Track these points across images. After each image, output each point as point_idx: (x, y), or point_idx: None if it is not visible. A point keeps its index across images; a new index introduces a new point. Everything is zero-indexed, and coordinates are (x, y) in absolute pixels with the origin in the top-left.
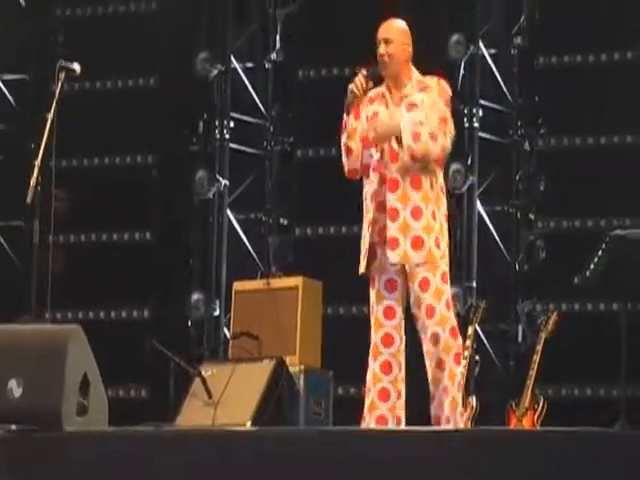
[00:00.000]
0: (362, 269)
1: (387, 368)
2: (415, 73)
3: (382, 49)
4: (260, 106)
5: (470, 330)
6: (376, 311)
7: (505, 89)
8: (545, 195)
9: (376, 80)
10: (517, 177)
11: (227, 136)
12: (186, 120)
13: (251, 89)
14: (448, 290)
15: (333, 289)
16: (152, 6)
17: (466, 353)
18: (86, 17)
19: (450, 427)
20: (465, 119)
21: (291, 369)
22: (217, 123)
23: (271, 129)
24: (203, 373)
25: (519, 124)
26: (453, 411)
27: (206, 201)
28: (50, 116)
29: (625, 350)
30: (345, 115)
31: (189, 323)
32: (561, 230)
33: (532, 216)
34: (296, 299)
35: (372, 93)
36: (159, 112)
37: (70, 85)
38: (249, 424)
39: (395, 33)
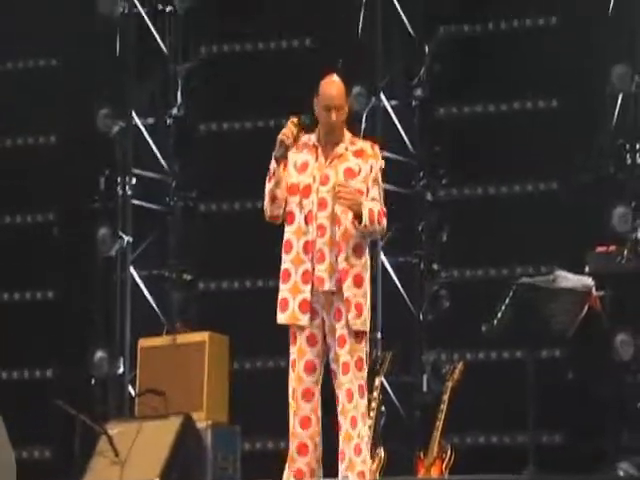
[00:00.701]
0: (306, 321)
1: (306, 423)
2: (346, 131)
3: (334, 116)
4: (162, 161)
5: (377, 381)
6: (297, 367)
7: (407, 140)
8: (448, 245)
9: (306, 129)
10: (420, 227)
11: (129, 192)
12: (88, 177)
13: (152, 145)
14: (362, 348)
15: (239, 343)
16: (52, 63)
17: (373, 404)
18: None
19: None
20: None
21: (198, 425)
22: (119, 179)
23: (173, 184)
24: (109, 431)
25: (421, 175)
26: (366, 468)
27: (109, 258)
28: None
29: (532, 397)
30: (274, 163)
31: (93, 381)
32: (464, 279)
33: (435, 266)
34: (203, 354)
35: (300, 142)
36: (60, 169)
37: None
38: None
39: (344, 99)
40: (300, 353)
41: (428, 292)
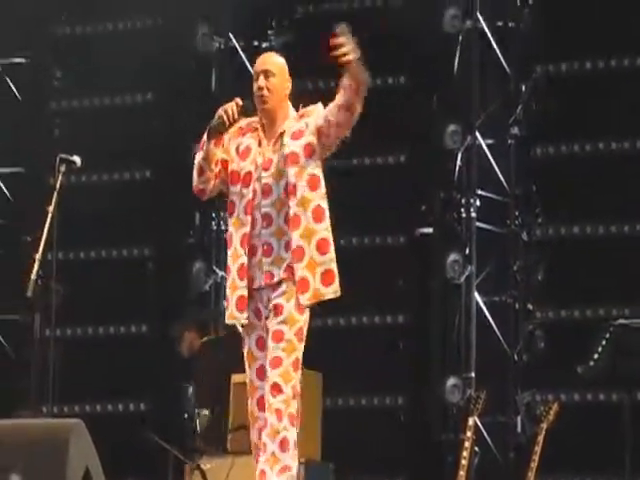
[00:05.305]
0: (240, 320)
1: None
2: (292, 110)
3: (261, 82)
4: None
5: (470, 421)
6: (249, 373)
7: (502, 179)
8: (543, 285)
9: (247, 115)
10: (515, 267)
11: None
12: (182, 213)
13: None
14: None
15: (331, 380)
16: (148, 96)
17: (467, 444)
18: (81, 109)
19: None
20: (462, 209)
21: None
22: (213, 215)
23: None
24: (202, 466)
25: (517, 214)
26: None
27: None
28: (51, 209)
29: (628, 440)
30: (205, 138)
31: (185, 416)
32: (560, 320)
33: (530, 306)
34: None
35: (243, 123)
36: (155, 204)
37: (67, 178)
38: None
39: (276, 66)
40: (250, 358)
41: (523, 332)
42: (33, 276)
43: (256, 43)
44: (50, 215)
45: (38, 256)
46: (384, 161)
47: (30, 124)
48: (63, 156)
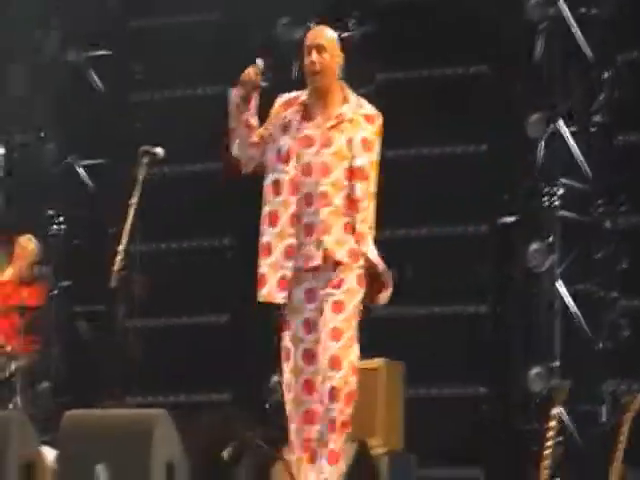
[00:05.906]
0: (280, 298)
1: (310, 417)
2: (349, 91)
3: (314, 57)
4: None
5: (554, 411)
6: (293, 357)
7: (586, 167)
8: (627, 273)
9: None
10: (598, 255)
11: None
12: (260, 201)
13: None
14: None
15: (413, 370)
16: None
17: (550, 434)
18: (162, 100)
19: None
20: (545, 198)
21: (373, 452)
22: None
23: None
24: (285, 457)
25: (599, 202)
26: None
27: None
28: (133, 200)
29: None
30: (233, 101)
31: (267, 406)
32: None
33: (615, 294)
34: (377, 381)
35: (291, 96)
36: (235, 193)
37: (149, 169)
38: None
39: (329, 41)
40: (295, 340)
41: (607, 321)
42: (116, 267)
43: (337, 33)
44: (133, 207)
45: (121, 247)
46: (465, 150)
47: (112, 116)
48: (146, 148)
